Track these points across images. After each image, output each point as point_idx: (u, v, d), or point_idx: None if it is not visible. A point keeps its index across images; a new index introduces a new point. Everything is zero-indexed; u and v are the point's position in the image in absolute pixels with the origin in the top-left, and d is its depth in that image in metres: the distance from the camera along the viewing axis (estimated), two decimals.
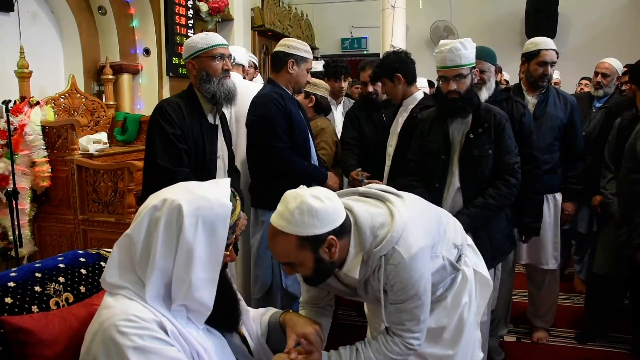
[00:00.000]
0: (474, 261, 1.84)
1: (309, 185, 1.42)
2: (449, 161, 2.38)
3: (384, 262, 1.41)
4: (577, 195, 3.05)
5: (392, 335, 1.49)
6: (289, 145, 2.53)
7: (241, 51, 3.50)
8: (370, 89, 3.18)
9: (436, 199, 2.31)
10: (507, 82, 5.11)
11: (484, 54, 2.69)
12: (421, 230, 1.48)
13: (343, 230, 1.39)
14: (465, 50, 2.29)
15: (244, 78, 3.37)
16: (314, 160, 2.70)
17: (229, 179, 1.29)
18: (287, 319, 1.51)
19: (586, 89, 4.78)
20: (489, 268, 2.19)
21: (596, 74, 3.76)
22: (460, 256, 1.71)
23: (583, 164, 3.03)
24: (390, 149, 2.90)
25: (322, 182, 2.59)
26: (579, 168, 3.01)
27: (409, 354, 1.50)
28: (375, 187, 1.61)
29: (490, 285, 1.89)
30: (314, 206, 1.32)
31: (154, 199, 1.21)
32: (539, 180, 2.66)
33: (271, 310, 1.59)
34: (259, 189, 2.62)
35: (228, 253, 1.28)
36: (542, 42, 2.96)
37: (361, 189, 1.63)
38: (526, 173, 2.49)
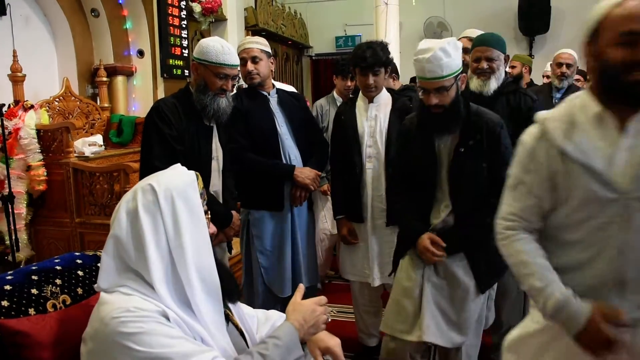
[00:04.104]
0: None
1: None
2: (437, 178, 2.06)
3: None
4: None
5: None
6: (246, 145, 2.59)
7: None
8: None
9: (425, 215, 2.11)
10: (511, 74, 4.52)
11: (494, 41, 2.45)
12: None
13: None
14: (448, 59, 1.89)
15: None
16: (291, 155, 2.68)
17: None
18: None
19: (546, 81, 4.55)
20: (482, 290, 2.07)
21: (559, 64, 3.76)
22: None
23: None
24: (374, 150, 2.60)
25: (286, 177, 2.60)
26: None
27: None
28: None
29: None
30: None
31: (125, 196, 1.25)
32: None
33: (276, 315, 1.55)
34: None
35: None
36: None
37: None
38: None
